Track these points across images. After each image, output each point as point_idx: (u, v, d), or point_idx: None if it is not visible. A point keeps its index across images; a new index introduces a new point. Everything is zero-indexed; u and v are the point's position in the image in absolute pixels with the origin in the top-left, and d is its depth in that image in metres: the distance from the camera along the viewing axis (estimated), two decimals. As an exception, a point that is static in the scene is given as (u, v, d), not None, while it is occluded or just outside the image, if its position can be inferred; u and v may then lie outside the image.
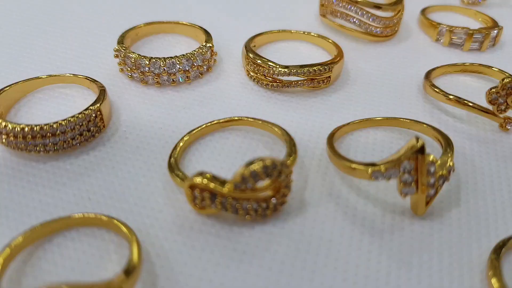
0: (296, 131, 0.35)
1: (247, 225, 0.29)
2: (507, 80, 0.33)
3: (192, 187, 0.28)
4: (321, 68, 0.37)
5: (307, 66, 0.37)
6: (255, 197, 0.28)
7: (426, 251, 0.28)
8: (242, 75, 0.40)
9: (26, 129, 0.31)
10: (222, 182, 0.27)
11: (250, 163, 0.27)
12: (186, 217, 0.29)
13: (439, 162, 0.29)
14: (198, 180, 0.27)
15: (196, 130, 0.34)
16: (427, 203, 0.29)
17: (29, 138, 0.31)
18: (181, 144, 0.33)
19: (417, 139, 0.27)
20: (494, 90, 0.34)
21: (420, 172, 0.27)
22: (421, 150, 0.27)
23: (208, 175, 0.27)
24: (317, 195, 0.31)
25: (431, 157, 0.28)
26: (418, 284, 0.26)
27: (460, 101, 0.36)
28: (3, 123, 0.31)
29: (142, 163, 0.32)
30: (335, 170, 0.32)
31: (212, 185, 0.27)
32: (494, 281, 0.25)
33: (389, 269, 0.27)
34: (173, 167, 0.31)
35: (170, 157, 0.32)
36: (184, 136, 0.33)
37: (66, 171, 0.32)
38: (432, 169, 0.28)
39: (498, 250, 0.27)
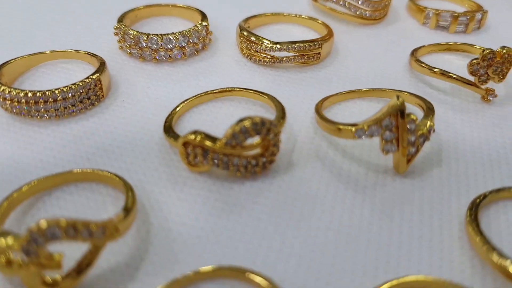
0: (287, 102, 0.36)
1: (237, 181, 0.30)
2: (487, 51, 0.35)
3: (186, 144, 0.29)
4: (311, 44, 0.39)
5: (298, 42, 0.39)
6: (245, 155, 0.30)
7: (407, 205, 0.29)
8: (236, 53, 0.42)
9: (30, 94, 0.33)
10: (214, 139, 0.29)
11: (241, 120, 0.29)
12: (179, 175, 0.31)
13: (419, 122, 0.30)
14: (191, 137, 0.29)
15: (190, 99, 0.36)
16: (408, 161, 0.30)
17: (31, 103, 0.33)
18: (177, 109, 0.34)
19: (398, 97, 0.29)
20: (475, 61, 0.35)
21: (401, 130, 0.29)
22: (401, 107, 0.29)
23: (201, 133, 0.29)
24: (304, 157, 0.32)
25: (411, 116, 0.29)
26: (399, 234, 0.27)
27: (444, 74, 0.37)
28: (8, 89, 0.33)
29: (139, 128, 0.34)
30: (323, 135, 0.34)
31: (204, 141, 0.29)
32: (470, 229, 0.27)
33: (371, 219, 0.28)
34: (168, 129, 0.32)
35: (165, 122, 0.33)
36: (179, 104, 0.35)
37: (66, 134, 0.33)
38: (412, 127, 0.29)
39: (477, 203, 0.28)
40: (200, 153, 0.29)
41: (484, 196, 0.29)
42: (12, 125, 0.34)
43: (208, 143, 0.29)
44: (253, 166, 0.30)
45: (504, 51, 0.35)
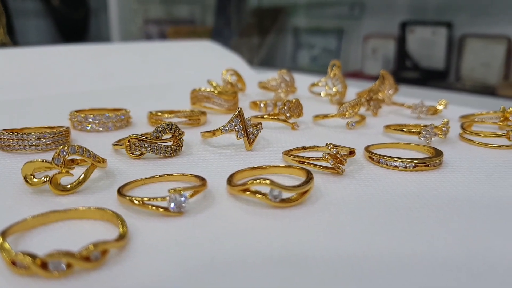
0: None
1: (160, 159, 0.54)
2: (285, 101, 0.66)
3: (129, 141, 0.53)
4: (192, 112, 0.67)
5: (183, 111, 0.67)
6: (163, 144, 0.54)
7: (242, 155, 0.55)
8: (146, 125, 0.68)
9: (20, 134, 0.55)
10: (146, 134, 0.53)
11: (159, 125, 0.54)
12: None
13: (252, 120, 0.58)
14: (132, 136, 0.53)
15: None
16: (251, 143, 0.57)
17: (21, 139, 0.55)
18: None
19: (239, 108, 0.57)
20: (281, 106, 0.66)
21: (243, 125, 0.56)
22: (241, 112, 0.56)
23: (134, 135, 0.53)
24: (198, 149, 0.57)
25: (249, 118, 0.57)
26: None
27: (271, 117, 0.67)
28: (5, 132, 0.55)
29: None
30: (207, 142, 0.60)
31: (140, 136, 0.53)
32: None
33: (234, 164, 0.53)
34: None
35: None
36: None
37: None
38: (248, 123, 0.57)
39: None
40: (138, 143, 0.53)
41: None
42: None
43: (142, 137, 0.53)
44: (169, 150, 0.54)
45: (294, 100, 0.66)
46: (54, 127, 0.61)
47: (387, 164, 0.51)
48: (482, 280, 0.31)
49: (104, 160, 0.47)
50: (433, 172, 0.51)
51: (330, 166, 0.48)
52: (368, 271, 0.32)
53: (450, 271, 0.32)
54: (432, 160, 0.51)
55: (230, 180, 0.44)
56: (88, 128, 0.65)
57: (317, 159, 0.49)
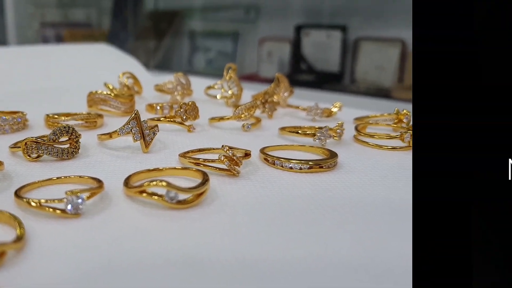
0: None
1: (58, 161, 0.55)
2: (181, 104, 0.70)
3: (26, 143, 0.53)
4: (88, 115, 0.69)
5: (80, 114, 0.68)
6: (60, 146, 0.55)
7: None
8: (44, 128, 0.68)
9: None
10: (43, 137, 0.54)
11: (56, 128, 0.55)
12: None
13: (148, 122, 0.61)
14: (29, 138, 0.53)
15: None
16: (147, 145, 0.60)
17: None
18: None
19: (135, 111, 0.59)
20: (177, 109, 0.70)
21: (140, 127, 0.59)
22: (137, 114, 0.59)
23: (32, 137, 0.54)
24: (95, 151, 0.59)
25: (145, 120, 0.60)
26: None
27: (167, 119, 0.70)
28: None
29: None
30: (103, 144, 0.61)
31: (36, 139, 0.53)
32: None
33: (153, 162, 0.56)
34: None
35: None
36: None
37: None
38: (145, 125, 0.60)
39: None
40: (35, 146, 0.54)
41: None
42: None
43: (39, 139, 0.54)
44: (65, 153, 0.55)
45: (190, 103, 0.70)
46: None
47: (282, 166, 0.54)
48: (380, 281, 0.32)
49: (1, 163, 0.47)
50: (327, 173, 0.52)
51: (226, 168, 0.51)
52: (265, 272, 0.33)
53: (347, 272, 0.33)
54: (327, 161, 0.53)
55: (126, 182, 0.46)
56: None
57: (213, 161, 0.52)
